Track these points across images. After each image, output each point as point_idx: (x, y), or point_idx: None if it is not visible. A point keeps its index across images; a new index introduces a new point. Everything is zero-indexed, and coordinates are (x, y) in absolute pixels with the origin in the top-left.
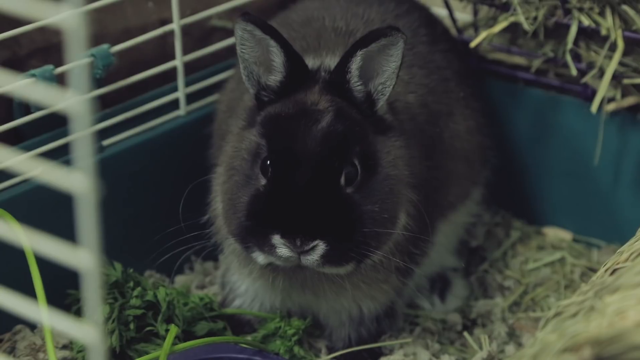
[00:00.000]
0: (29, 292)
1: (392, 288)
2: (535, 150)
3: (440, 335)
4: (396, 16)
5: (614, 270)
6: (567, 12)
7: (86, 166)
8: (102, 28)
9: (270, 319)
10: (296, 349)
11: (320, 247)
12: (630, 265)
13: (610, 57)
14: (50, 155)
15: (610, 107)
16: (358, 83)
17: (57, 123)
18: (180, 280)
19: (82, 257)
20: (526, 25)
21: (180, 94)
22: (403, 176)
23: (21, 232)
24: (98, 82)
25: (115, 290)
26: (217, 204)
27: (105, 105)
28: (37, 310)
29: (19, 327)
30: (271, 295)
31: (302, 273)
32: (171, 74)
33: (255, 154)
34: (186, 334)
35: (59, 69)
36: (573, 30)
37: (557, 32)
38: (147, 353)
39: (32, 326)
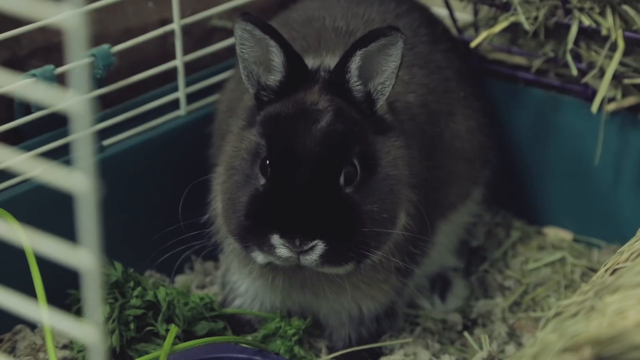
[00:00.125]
0: (29, 292)
1: (392, 288)
2: (535, 150)
3: (440, 335)
4: (396, 16)
5: (614, 270)
6: (568, 12)
7: (86, 166)
8: (102, 28)
9: (270, 318)
10: (296, 348)
11: (320, 247)
12: (630, 265)
13: (610, 57)
14: (51, 155)
15: (611, 107)
16: (358, 83)
17: (57, 123)
18: (180, 280)
19: (83, 257)
20: (527, 25)
21: (180, 94)
22: (403, 176)
23: (21, 232)
24: (98, 82)
25: (115, 290)
26: (217, 204)
27: (105, 105)
28: (37, 310)
29: (19, 327)
30: (271, 295)
31: (302, 273)
32: (171, 74)
33: (255, 154)
34: (186, 334)
35: (60, 69)
36: (573, 30)
37: (558, 32)
38: (147, 353)
39: (33, 326)
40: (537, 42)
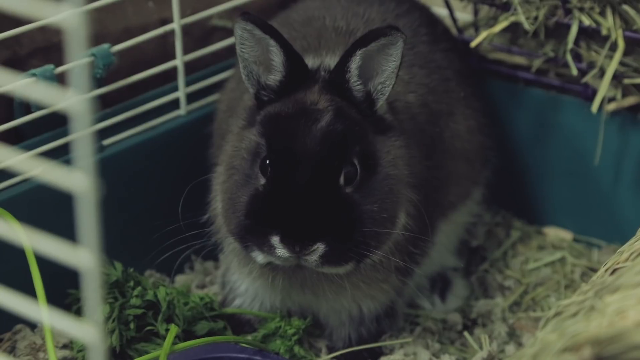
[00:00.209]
0: (29, 291)
1: (392, 288)
2: (535, 150)
3: (440, 335)
4: (397, 16)
5: (614, 270)
6: (568, 11)
7: (86, 166)
8: (102, 27)
9: (270, 318)
10: (296, 348)
11: (320, 247)
12: (630, 265)
13: (610, 57)
14: (51, 154)
15: (611, 107)
16: (358, 82)
17: (57, 122)
18: (180, 279)
19: (82, 256)
20: (527, 25)
21: (180, 93)
22: (403, 176)
23: (21, 231)
24: (98, 82)
25: (115, 290)
26: (217, 204)
27: (105, 104)
28: (37, 309)
29: (19, 326)
30: (271, 295)
31: (302, 273)
32: (172, 74)
33: (254, 154)
34: (186, 334)
35: (60, 69)
36: (574, 30)
37: (558, 31)
38: (147, 353)
39: (33, 326)
40: (537, 42)
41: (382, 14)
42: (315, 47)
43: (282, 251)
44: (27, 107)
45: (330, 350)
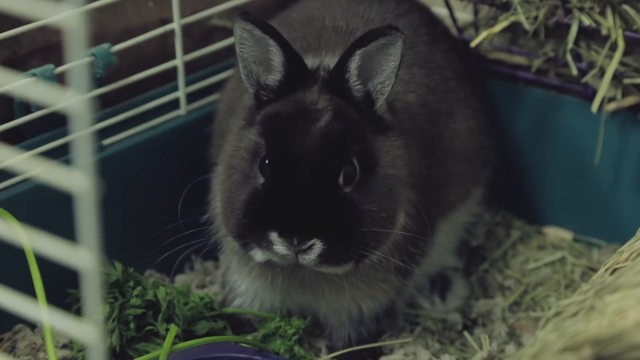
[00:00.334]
0: (29, 291)
1: (391, 288)
2: (535, 150)
3: (440, 335)
4: (396, 15)
5: (614, 270)
6: (568, 11)
7: (86, 166)
8: (102, 27)
9: (270, 318)
10: (296, 348)
11: (318, 246)
12: (630, 265)
13: (610, 57)
14: (51, 154)
15: (611, 106)
16: (357, 82)
17: (57, 122)
18: (180, 279)
19: (82, 256)
20: (527, 25)
21: (180, 93)
22: (402, 176)
23: (21, 231)
24: (98, 82)
25: (115, 290)
26: (217, 203)
27: (105, 104)
28: (37, 309)
29: (19, 326)
30: (271, 295)
31: (301, 272)
32: (172, 74)
33: (254, 153)
34: (186, 334)
35: (60, 69)
36: (573, 29)
37: (558, 31)
38: (147, 352)
39: (32, 325)
40: (537, 41)
41: (381, 13)
42: (315, 47)
43: (280, 247)
44: (27, 107)
45: (330, 350)
